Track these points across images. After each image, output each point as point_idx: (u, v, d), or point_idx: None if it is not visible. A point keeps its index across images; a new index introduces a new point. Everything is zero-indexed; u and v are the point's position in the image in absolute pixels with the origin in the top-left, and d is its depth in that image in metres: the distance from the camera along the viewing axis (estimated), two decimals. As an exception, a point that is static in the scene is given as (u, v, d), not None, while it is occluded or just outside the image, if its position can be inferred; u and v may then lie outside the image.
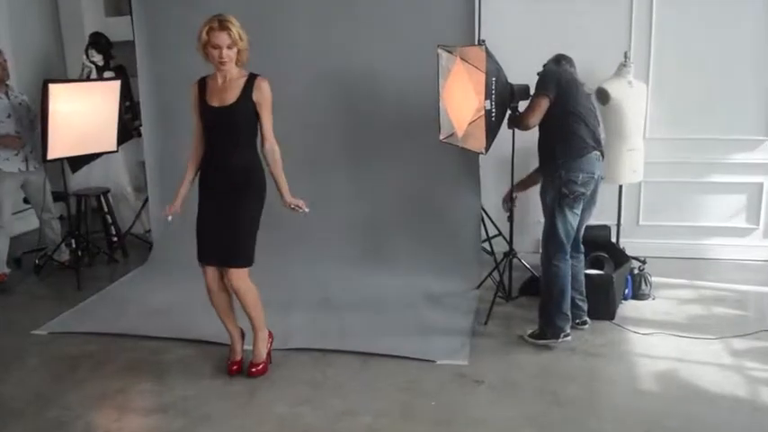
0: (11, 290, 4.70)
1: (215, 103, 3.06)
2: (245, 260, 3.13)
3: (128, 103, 5.50)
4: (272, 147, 3.12)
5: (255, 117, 3.09)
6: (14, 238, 5.18)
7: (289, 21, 4.59)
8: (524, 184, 4.02)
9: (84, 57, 5.56)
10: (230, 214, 3.09)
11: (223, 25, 2.93)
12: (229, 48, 2.95)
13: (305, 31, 4.60)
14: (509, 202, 4.06)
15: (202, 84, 3.13)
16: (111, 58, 5.62)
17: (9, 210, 4.79)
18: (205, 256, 3.16)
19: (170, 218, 3.16)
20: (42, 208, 4.92)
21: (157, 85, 4.98)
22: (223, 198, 3.10)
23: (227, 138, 3.09)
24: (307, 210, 3.10)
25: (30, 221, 5.36)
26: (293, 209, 3.10)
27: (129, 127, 5.58)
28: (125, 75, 5.56)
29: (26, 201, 5.08)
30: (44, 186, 4.85)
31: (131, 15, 5.00)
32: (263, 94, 3.07)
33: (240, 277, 3.13)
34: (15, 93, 4.79)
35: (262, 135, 3.13)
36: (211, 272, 3.18)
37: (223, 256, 3.12)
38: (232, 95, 3.05)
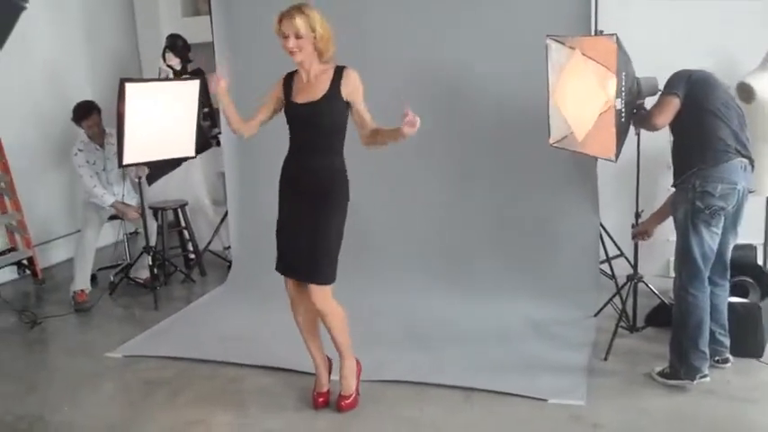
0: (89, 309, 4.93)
1: (300, 100, 3.13)
2: (326, 277, 3.13)
3: (206, 110, 5.60)
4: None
5: (344, 115, 3.14)
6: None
7: (375, 14, 4.61)
8: (661, 215, 3.84)
9: (161, 60, 5.74)
10: (313, 224, 3.10)
11: (290, 13, 2.98)
12: (297, 37, 2.98)
13: (394, 23, 4.59)
14: (639, 235, 3.95)
15: (289, 79, 3.21)
16: (188, 62, 5.78)
17: (97, 226, 5.14)
18: (283, 268, 3.22)
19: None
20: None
21: (238, 89, 4.88)
22: (306, 203, 3.12)
23: (313, 136, 3.13)
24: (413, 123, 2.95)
25: (105, 236, 5.58)
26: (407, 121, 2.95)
27: (207, 135, 5.71)
28: (203, 79, 5.54)
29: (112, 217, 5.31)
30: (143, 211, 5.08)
31: (210, 15, 5.17)
32: (354, 84, 3.12)
33: (324, 296, 3.13)
34: (112, 140, 5.00)
35: (363, 125, 3.17)
36: (293, 282, 3.23)
37: (303, 270, 3.15)
38: (319, 91, 3.10)
